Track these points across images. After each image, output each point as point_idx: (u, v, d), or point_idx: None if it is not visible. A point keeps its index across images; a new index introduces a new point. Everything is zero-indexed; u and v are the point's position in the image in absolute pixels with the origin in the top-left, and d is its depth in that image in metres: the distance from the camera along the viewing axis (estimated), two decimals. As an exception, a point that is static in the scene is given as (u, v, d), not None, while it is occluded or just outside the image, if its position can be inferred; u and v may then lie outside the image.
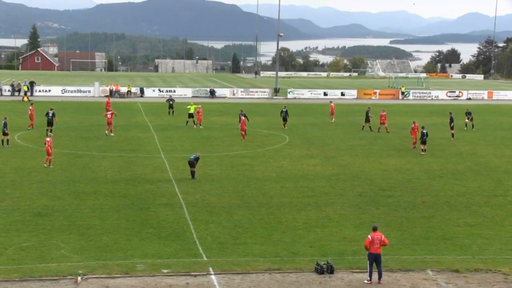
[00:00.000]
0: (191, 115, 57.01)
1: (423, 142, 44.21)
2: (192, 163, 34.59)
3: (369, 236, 20.62)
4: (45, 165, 36.44)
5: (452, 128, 52.09)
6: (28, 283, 19.70)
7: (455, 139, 51.34)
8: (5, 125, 43.52)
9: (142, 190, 31.99)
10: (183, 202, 29.64)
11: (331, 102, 66.06)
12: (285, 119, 56.82)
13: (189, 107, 57.84)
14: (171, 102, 64.80)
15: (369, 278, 20.44)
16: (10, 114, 57.15)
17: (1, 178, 33.78)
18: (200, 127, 55.12)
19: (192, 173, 34.60)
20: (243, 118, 49.46)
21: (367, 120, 56.11)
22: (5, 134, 43.49)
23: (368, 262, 20.48)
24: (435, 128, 55.62)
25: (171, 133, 52.48)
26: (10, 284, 19.56)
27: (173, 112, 63.73)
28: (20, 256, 21.97)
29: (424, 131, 44.45)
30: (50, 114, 50.25)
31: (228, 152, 43.52)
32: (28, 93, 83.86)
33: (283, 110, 57.47)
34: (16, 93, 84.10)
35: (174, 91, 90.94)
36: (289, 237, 24.94)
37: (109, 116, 50.93)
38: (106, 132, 50.10)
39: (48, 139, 37.18)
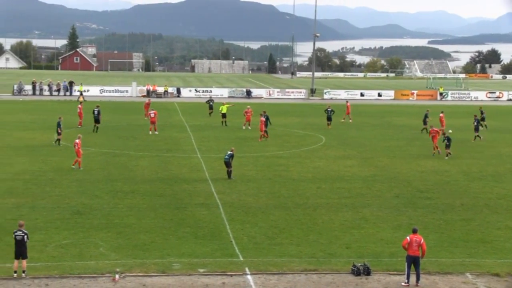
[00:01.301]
0: (224, 115, 57.18)
1: (447, 146, 42.95)
2: (228, 163, 34.65)
3: (408, 238, 20.46)
4: (73, 167, 36.36)
5: (476, 129, 50.83)
6: (68, 280, 19.97)
7: (483, 140, 50.14)
8: (58, 124, 43.97)
9: (178, 189, 32.18)
10: (219, 202, 29.74)
11: (347, 102, 65.33)
12: (330, 119, 56.54)
13: (221, 107, 58.01)
14: (211, 103, 64.77)
15: (406, 281, 20.26)
16: (50, 113, 58.18)
17: (41, 177, 34.31)
18: (249, 127, 54.78)
19: (229, 173, 34.68)
20: (262, 118, 49.21)
21: (425, 122, 55.07)
22: (58, 133, 44.04)
23: (406, 264, 20.31)
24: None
25: (207, 133, 52.69)
26: (50, 281, 19.86)
27: (211, 112, 63.52)
28: (60, 254, 22.30)
29: (447, 136, 43.25)
30: (96, 112, 51.13)
31: (263, 153, 43.53)
32: (68, 93, 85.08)
33: (328, 109, 57.11)
34: (55, 93, 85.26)
35: (211, 91, 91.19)
36: (325, 238, 24.86)
37: (152, 115, 51.36)
38: (150, 132, 50.65)
39: (77, 141, 36.91)
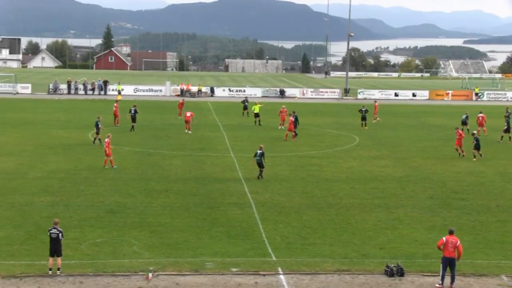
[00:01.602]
0: (257, 115, 57.18)
1: (475, 147, 42.01)
2: (261, 164, 34.59)
3: (444, 238, 20.27)
4: (105, 167, 36.57)
5: (506, 131, 49.85)
6: (102, 278, 20.16)
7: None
8: (97, 124, 44.32)
9: (212, 189, 32.27)
10: (252, 202, 29.76)
11: (375, 101, 64.67)
12: (364, 119, 56.18)
13: (254, 107, 58.02)
14: (246, 103, 64.77)
15: (440, 282, 20.05)
16: (85, 112, 58.71)
17: (76, 175, 34.69)
18: (282, 127, 54.34)
19: (260, 172, 34.61)
20: (292, 118, 49.06)
21: (464, 123, 54.19)
22: (97, 133, 44.44)
23: (441, 265, 20.10)
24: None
25: (240, 132, 52.77)
26: (84, 279, 20.07)
27: (247, 113, 63.42)
28: (94, 252, 22.51)
29: (476, 137, 42.54)
30: (132, 111, 51.56)
31: (297, 152, 43.45)
32: (102, 92, 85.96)
33: (362, 109, 56.71)
34: (90, 92, 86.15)
35: (244, 90, 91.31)
36: (358, 238, 24.73)
37: (188, 114, 51.50)
38: (186, 131, 50.82)
39: (106, 140, 37.19)
